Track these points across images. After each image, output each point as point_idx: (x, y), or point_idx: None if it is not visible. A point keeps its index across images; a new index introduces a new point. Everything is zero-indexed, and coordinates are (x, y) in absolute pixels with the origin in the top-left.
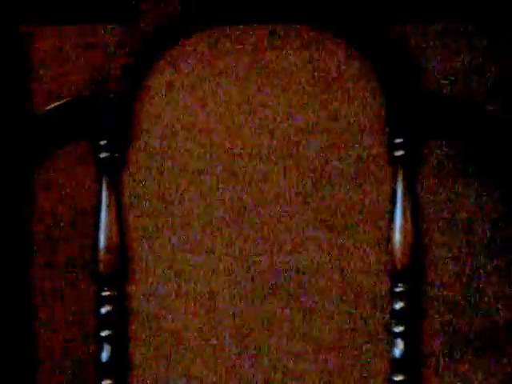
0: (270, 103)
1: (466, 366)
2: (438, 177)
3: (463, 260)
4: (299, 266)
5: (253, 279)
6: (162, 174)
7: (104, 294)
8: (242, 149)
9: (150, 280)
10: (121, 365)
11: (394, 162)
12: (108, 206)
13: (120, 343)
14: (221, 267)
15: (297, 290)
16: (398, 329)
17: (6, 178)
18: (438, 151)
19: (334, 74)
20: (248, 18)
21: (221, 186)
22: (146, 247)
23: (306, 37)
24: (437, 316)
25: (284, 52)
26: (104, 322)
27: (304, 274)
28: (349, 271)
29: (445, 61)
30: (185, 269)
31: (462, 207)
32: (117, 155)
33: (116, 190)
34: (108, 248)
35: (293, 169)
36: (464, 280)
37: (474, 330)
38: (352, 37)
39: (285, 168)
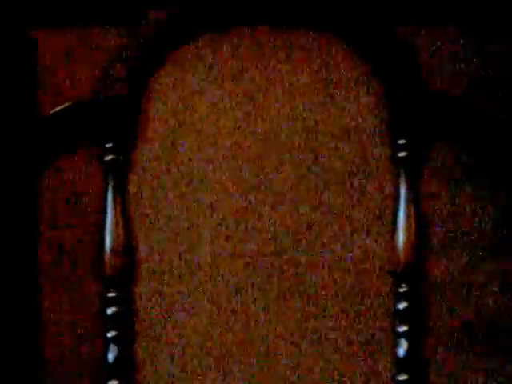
0: (273, 105)
1: (470, 366)
2: (440, 177)
3: (465, 260)
4: (303, 267)
5: (257, 280)
6: (167, 175)
7: (110, 295)
8: (246, 150)
9: (156, 281)
10: (127, 365)
11: (397, 162)
12: (114, 208)
13: (126, 344)
14: (225, 269)
15: (300, 291)
16: (402, 328)
17: (12, 180)
18: (441, 152)
19: (337, 75)
20: (250, 20)
21: (226, 187)
22: (152, 249)
23: (307, 39)
24: (440, 316)
25: (287, 54)
26: (110, 322)
27: (307, 274)
28: (352, 271)
29: (447, 61)
30: (190, 270)
31: (464, 207)
32: (122, 158)
33: (122, 192)
34: (114, 249)
35: (296, 170)
36: (466, 280)
37: (477, 329)
38: (354, 38)
39: (288, 169)
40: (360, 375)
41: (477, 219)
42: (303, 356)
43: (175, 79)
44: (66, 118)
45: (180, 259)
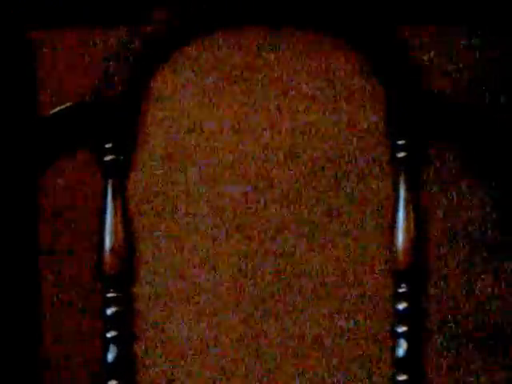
0: (272, 105)
1: (469, 366)
2: (439, 177)
3: (465, 260)
4: (302, 267)
5: (256, 281)
6: (166, 176)
7: (109, 295)
8: (245, 151)
9: (155, 281)
10: (127, 365)
11: (396, 163)
12: (113, 209)
13: (126, 344)
14: (225, 269)
15: (300, 291)
16: (401, 329)
17: (12, 180)
18: (440, 152)
19: (336, 76)
20: (250, 20)
21: (225, 188)
22: (151, 249)
23: (307, 39)
24: (439, 316)
25: (287, 54)
26: (110, 323)
27: (307, 274)
28: (352, 272)
29: (446, 61)
30: (190, 270)
31: (463, 207)
32: (122, 158)
33: (121, 193)
34: (113, 250)
35: (295, 170)
36: (466, 280)
37: (477, 329)
38: (354, 38)
39: (287, 170)
40: (360, 375)
41: (476, 219)
42: (303, 356)
43: (176, 79)
44: (65, 118)
45: (180, 259)
